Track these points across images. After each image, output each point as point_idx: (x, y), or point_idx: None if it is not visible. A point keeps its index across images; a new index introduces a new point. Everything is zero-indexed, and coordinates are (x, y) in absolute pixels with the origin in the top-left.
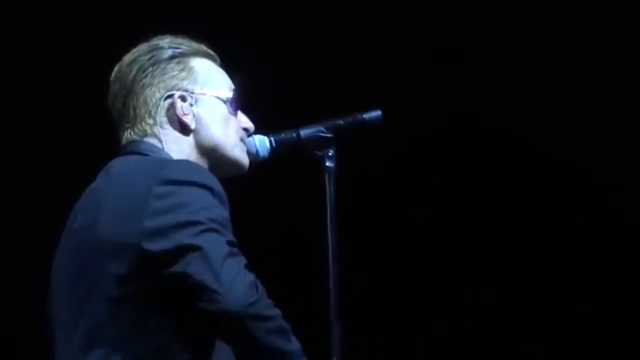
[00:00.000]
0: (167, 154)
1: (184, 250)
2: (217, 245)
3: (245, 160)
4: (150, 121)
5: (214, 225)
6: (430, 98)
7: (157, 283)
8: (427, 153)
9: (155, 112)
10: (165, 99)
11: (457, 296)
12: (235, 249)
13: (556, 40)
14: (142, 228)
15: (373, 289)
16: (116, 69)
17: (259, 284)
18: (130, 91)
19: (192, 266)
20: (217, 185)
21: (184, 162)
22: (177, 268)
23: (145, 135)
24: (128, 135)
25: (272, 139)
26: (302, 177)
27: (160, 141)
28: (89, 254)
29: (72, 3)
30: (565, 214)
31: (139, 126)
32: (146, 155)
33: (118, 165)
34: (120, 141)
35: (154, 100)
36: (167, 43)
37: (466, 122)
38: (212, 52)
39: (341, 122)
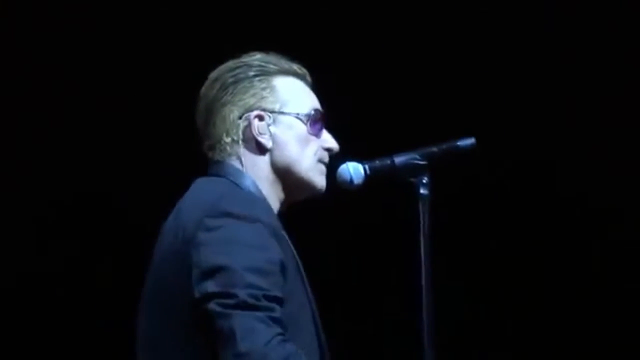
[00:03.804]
0: (248, 176)
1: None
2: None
3: (321, 183)
4: (228, 140)
5: (248, 297)
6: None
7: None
8: (520, 182)
9: (233, 131)
10: (243, 118)
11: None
12: (265, 314)
13: None
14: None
15: (465, 318)
16: (204, 86)
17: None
18: (211, 109)
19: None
20: (269, 219)
21: (240, 197)
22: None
23: (228, 155)
24: (211, 154)
25: (366, 166)
26: (396, 204)
27: (242, 163)
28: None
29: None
30: None
31: (218, 145)
32: (226, 178)
33: (194, 191)
34: (205, 155)
35: (231, 118)
36: (254, 60)
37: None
38: (302, 71)
39: (435, 149)
